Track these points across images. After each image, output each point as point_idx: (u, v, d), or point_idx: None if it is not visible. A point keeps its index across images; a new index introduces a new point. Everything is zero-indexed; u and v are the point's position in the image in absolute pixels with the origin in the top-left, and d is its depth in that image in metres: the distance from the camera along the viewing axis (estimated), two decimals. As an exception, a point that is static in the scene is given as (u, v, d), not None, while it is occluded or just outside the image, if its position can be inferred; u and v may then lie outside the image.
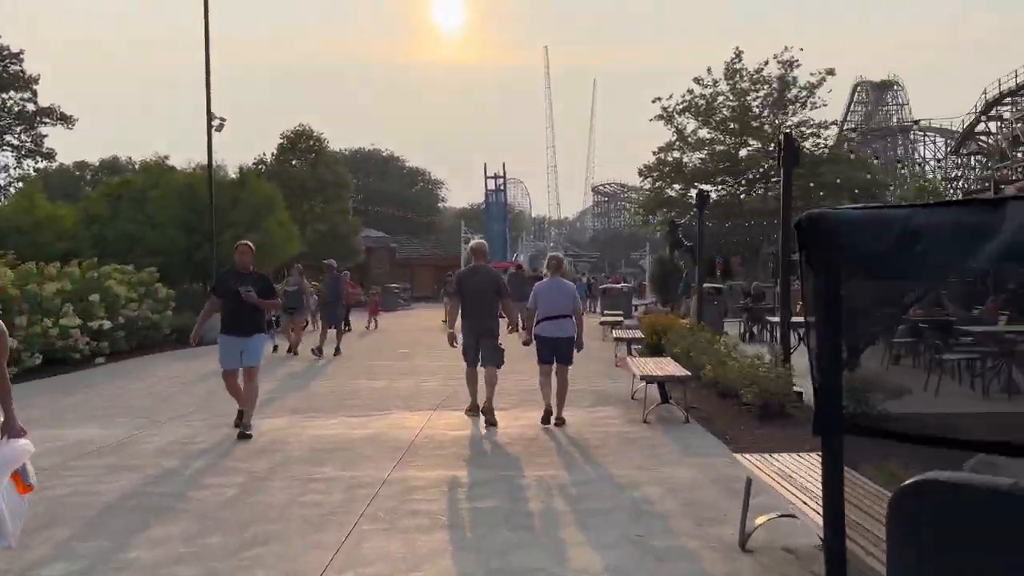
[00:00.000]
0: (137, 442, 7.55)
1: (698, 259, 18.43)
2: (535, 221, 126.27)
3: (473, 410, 8.10)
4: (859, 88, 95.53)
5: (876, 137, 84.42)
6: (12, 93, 42.77)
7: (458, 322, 8.22)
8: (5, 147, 44.04)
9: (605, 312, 21.51)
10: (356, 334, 20.16)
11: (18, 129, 43.83)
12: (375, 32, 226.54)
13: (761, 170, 46.26)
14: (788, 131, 47.95)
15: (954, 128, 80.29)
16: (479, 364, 8.01)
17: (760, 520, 4.26)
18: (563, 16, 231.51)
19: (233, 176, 21.34)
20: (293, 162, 38.01)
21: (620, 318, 19.53)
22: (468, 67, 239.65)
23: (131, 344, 15.22)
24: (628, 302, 25.55)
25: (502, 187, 77.61)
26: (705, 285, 18.48)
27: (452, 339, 8.16)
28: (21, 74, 42.47)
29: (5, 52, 41.76)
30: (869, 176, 54.16)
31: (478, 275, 7.97)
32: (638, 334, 13.19)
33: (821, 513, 3.32)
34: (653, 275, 31.34)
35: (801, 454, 4.41)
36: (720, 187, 49.13)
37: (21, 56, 42.29)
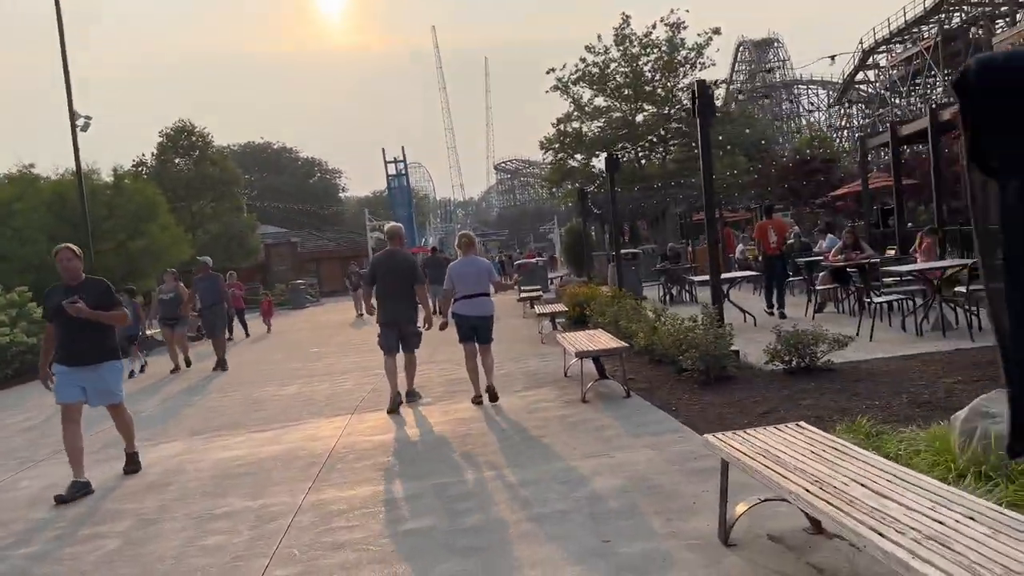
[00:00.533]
0: (6, 489, 6.42)
1: (612, 225, 18.59)
2: (440, 204, 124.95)
3: (395, 407, 7.71)
4: (742, 47, 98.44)
5: (761, 94, 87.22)
6: None
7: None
8: None
9: (522, 288, 20.90)
10: (254, 339, 18.86)
11: None
12: (253, 22, 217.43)
13: (660, 135, 46.69)
14: (675, 99, 48.72)
15: (835, 80, 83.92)
16: (398, 349, 7.91)
17: (741, 508, 3.68)
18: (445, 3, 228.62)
19: (108, 180, 19.39)
20: (176, 161, 35.61)
21: (539, 293, 19.01)
22: (356, 54, 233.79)
23: (5, 372, 13.64)
24: (544, 276, 25.10)
25: (403, 171, 75.86)
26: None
27: (374, 311, 8.10)
28: None
29: None
30: (749, 132, 55.53)
31: (394, 259, 7.77)
32: (560, 307, 12.63)
33: (824, 499, 2.76)
34: (566, 246, 31.02)
35: (779, 427, 3.85)
36: (621, 153, 49.36)
37: None
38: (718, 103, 51.02)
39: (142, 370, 13.34)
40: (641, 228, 44.94)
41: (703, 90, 9.27)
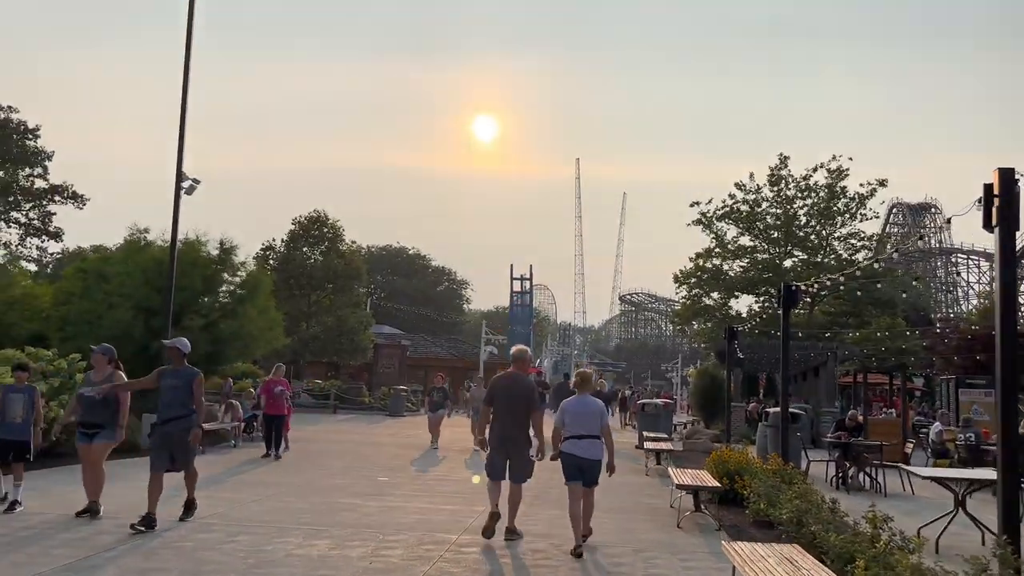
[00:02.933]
0: None
1: (736, 383, 16.40)
2: (560, 327, 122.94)
3: (490, 526, 7.41)
4: (895, 209, 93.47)
5: (916, 259, 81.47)
6: (27, 169, 41.27)
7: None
8: (12, 223, 42.19)
9: (645, 433, 17.61)
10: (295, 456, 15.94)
11: (27, 206, 42.08)
12: (407, 143, 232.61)
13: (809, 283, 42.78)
14: (829, 249, 44.99)
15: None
16: (505, 477, 7.59)
17: None
18: (594, 133, 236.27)
19: (214, 252, 18.20)
20: (304, 250, 35.34)
21: (665, 443, 15.69)
22: (501, 179, 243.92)
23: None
24: (668, 421, 21.60)
25: (528, 289, 74.81)
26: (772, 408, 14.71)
27: (483, 445, 7.96)
28: (37, 150, 41.11)
29: (22, 127, 40.54)
30: (906, 295, 50.57)
31: (514, 383, 7.67)
32: (704, 477, 9.39)
33: None
34: (697, 390, 27.43)
35: None
36: (763, 299, 45.62)
37: (38, 132, 41.04)
38: (880, 257, 46.99)
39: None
40: (779, 382, 40.44)
41: (787, 290, 10.81)
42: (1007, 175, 5.09)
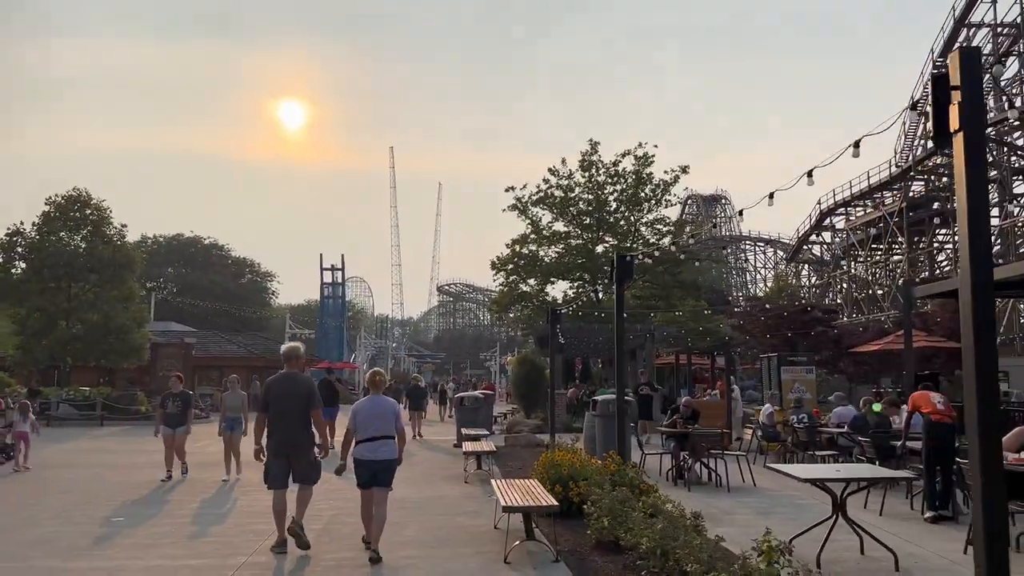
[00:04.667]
0: None
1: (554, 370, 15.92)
2: (377, 319, 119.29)
3: (281, 545, 7.02)
4: (690, 201, 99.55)
5: (718, 245, 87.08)
6: None
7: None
8: None
9: (463, 431, 15.68)
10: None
11: None
12: (203, 127, 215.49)
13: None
14: (637, 234, 46.03)
15: (784, 239, 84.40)
16: (290, 484, 7.14)
17: None
18: (407, 125, 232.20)
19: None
20: (62, 235, 29.86)
21: (485, 442, 13.85)
22: (311, 169, 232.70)
23: None
24: (489, 413, 19.86)
25: (340, 280, 70.82)
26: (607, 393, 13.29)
27: (258, 454, 7.38)
28: None
29: None
30: (702, 279, 53.39)
31: (291, 383, 7.23)
32: (537, 493, 7.44)
33: None
34: (517, 378, 26.04)
35: None
36: (578, 284, 45.66)
37: None
38: (673, 246, 48.91)
39: None
40: (593, 365, 40.49)
41: (621, 260, 10.14)
42: (969, 56, 3.49)
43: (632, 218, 45.96)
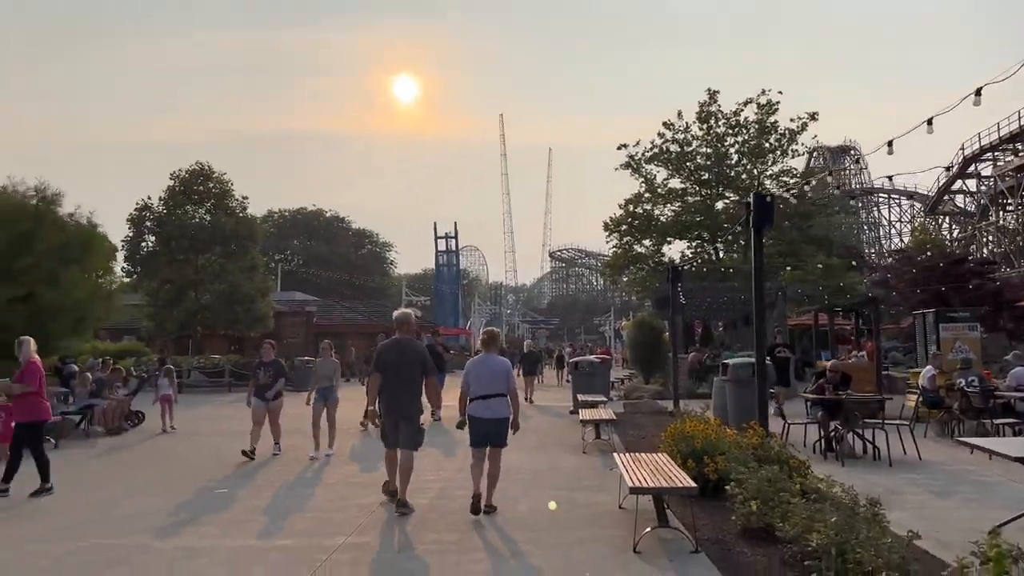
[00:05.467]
0: None
1: (675, 331, 14.05)
2: (491, 287, 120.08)
3: (391, 492, 7.30)
4: (816, 152, 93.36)
5: (839, 200, 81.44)
6: None
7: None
8: None
9: (580, 396, 14.75)
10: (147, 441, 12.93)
11: None
12: (329, 107, 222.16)
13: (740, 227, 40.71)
14: (761, 188, 43.18)
15: (921, 190, 77.75)
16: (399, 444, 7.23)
17: None
18: (520, 94, 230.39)
19: (33, 204, 14.22)
20: (187, 209, 30.95)
21: (603, 408, 12.86)
22: (424, 142, 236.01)
23: None
24: (606, 379, 18.81)
25: (454, 248, 71.41)
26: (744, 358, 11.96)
27: (373, 417, 7.40)
28: None
29: None
30: (837, 234, 49.61)
31: (400, 349, 7.24)
32: (670, 472, 6.39)
33: None
34: (634, 342, 24.83)
35: None
36: (696, 243, 43.52)
37: None
38: (812, 195, 45.64)
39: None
40: (714, 328, 38.54)
41: (759, 202, 8.65)
42: None
43: (755, 171, 43.20)
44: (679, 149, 41.57)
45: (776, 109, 41.40)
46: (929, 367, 12.14)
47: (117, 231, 33.18)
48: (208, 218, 30.84)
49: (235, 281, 29.62)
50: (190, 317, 29.54)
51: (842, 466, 8.98)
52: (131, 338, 32.35)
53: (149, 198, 31.15)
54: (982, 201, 61.43)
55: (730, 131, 41.62)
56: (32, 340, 8.18)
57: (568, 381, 24.48)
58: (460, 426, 7.14)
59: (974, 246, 57.19)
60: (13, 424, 8.31)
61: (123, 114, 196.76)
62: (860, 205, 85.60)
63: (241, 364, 29.53)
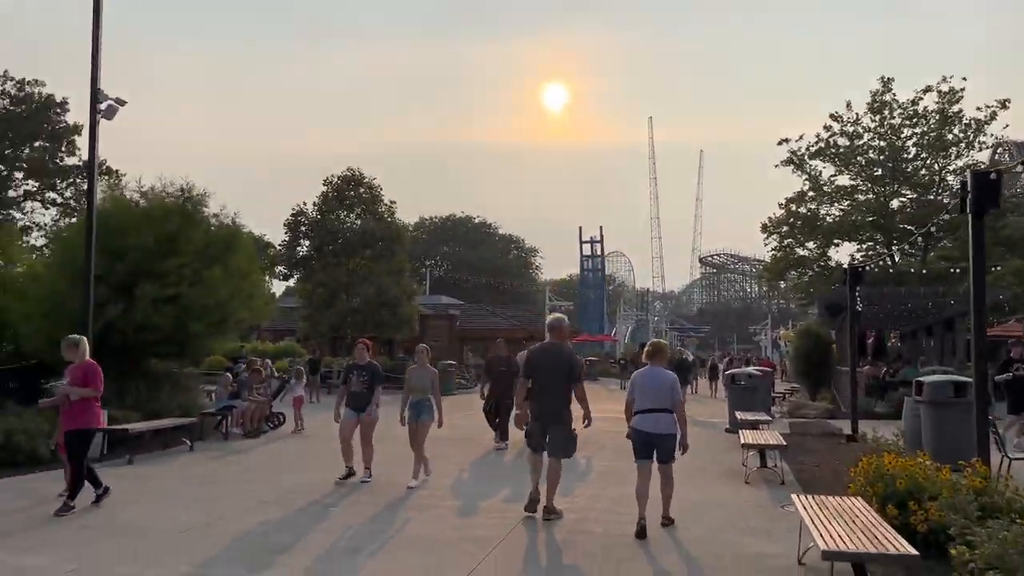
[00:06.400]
0: None
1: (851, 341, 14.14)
2: (638, 293, 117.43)
3: (532, 505, 7.14)
4: (1000, 149, 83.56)
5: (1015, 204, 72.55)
6: (57, 145, 39.28)
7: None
8: (48, 204, 40.36)
9: (739, 415, 13.07)
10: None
11: (62, 184, 40.11)
12: (475, 115, 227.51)
13: (922, 225, 36.57)
14: (944, 185, 38.65)
15: None
16: (545, 452, 7.20)
17: None
18: (668, 95, 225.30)
19: (180, 204, 14.51)
20: (340, 214, 31.75)
21: (767, 430, 11.20)
22: (571, 147, 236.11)
23: None
24: (767, 394, 16.89)
25: (599, 253, 70.04)
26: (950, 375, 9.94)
27: (522, 421, 7.33)
28: (66, 125, 39.01)
29: (48, 100, 38.46)
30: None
31: (550, 354, 7.25)
32: (877, 532, 4.89)
33: None
34: (799, 353, 22.50)
35: None
36: (867, 245, 39.70)
37: (66, 105, 38.87)
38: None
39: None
40: (893, 343, 34.79)
41: (981, 180, 6.90)
42: None
43: (936, 165, 38.88)
44: (848, 143, 38.09)
45: (960, 97, 37.06)
46: None
47: (276, 238, 34.55)
48: (359, 222, 31.45)
49: (383, 284, 29.95)
50: (341, 319, 30.17)
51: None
52: (291, 339, 33.64)
53: (304, 203, 32.30)
54: None
55: (907, 122, 37.67)
56: (86, 339, 7.70)
57: (723, 396, 22.62)
58: (629, 436, 6.95)
59: None
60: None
61: (278, 127, 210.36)
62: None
63: (388, 367, 29.84)
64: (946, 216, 31.26)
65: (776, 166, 40.01)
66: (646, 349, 7.35)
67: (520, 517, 7.08)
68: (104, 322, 12.85)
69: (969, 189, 6.93)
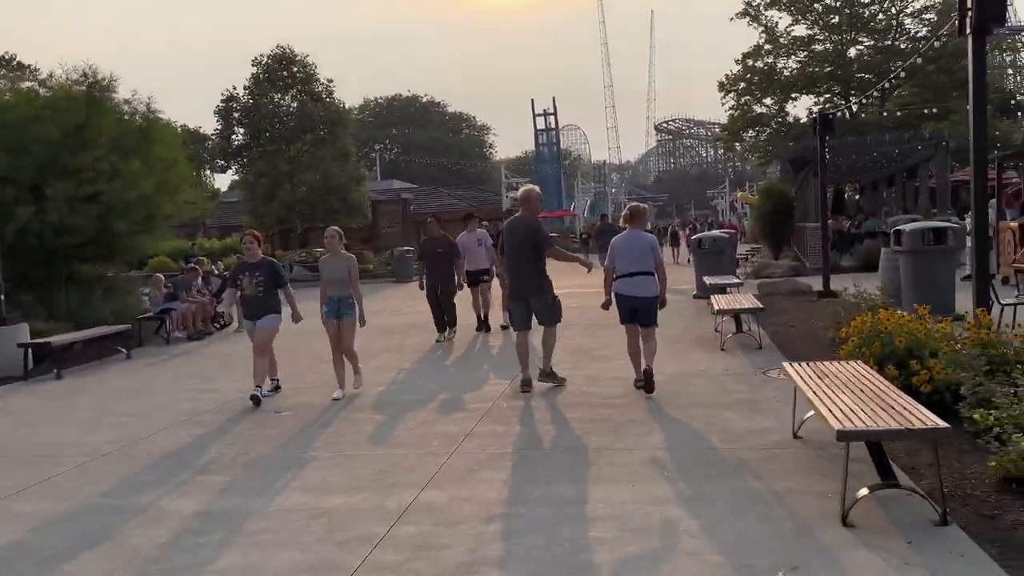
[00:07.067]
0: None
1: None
2: (595, 166, 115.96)
3: (525, 385, 6.97)
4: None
5: (997, 35, 71.72)
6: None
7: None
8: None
9: (707, 280, 12.54)
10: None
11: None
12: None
13: (883, 73, 35.63)
14: (901, 29, 37.39)
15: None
16: (530, 327, 7.11)
17: None
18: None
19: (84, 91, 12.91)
20: (274, 96, 29.60)
21: (739, 293, 10.71)
22: (520, 19, 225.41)
23: None
24: (732, 257, 16.38)
25: (553, 126, 67.90)
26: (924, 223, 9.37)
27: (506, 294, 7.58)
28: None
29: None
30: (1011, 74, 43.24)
31: (516, 228, 7.06)
32: (871, 381, 4.33)
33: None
34: (761, 213, 22.00)
35: None
36: (825, 98, 38.86)
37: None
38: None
39: None
40: (850, 195, 34.62)
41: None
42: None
43: (893, 9, 37.61)
44: (805, -11, 36.52)
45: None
46: None
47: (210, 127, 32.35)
48: (294, 105, 29.44)
49: (328, 171, 28.41)
50: (287, 210, 28.77)
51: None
52: (239, 235, 32.22)
53: (234, 88, 30.01)
54: None
55: (866, -38, 36.14)
56: None
57: (687, 261, 22.22)
58: (605, 306, 7.01)
59: None
60: None
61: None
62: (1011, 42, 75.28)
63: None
64: (905, 62, 30.28)
65: (731, 19, 38.39)
66: (623, 213, 7.28)
67: (486, 409, 6.45)
68: (16, 226, 11.68)
69: (970, 5, 6.01)
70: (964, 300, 9.65)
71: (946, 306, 8.85)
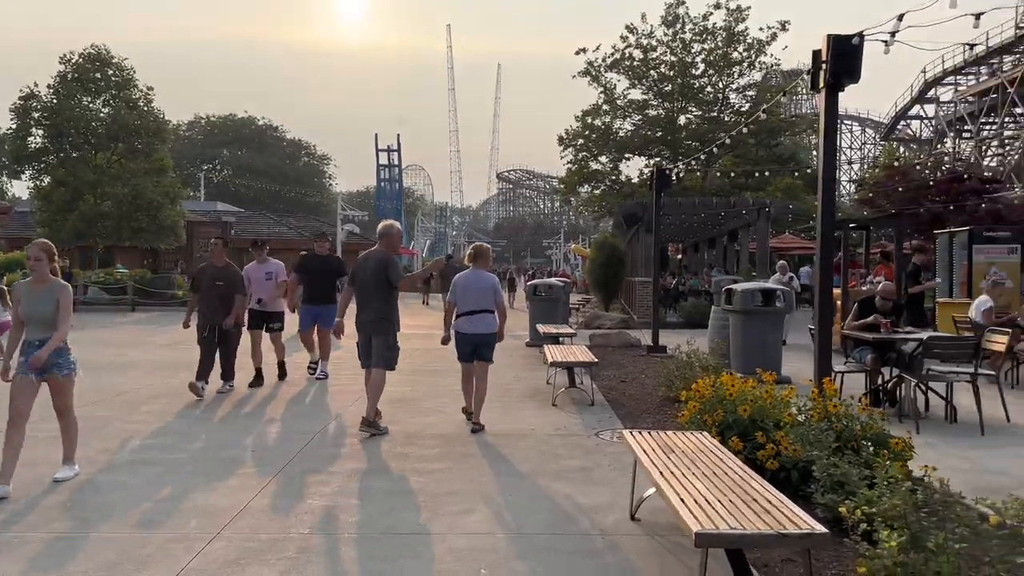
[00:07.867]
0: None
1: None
2: (436, 207, 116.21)
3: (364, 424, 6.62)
4: (769, 75, 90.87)
5: (807, 119, 79.87)
6: None
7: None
8: None
9: (540, 328, 12.04)
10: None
11: None
12: (266, 16, 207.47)
13: (708, 141, 38.01)
14: (726, 103, 40.34)
15: (873, 117, 76.74)
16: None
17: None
18: (467, 5, 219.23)
19: None
20: (84, 100, 26.51)
21: (572, 344, 10.22)
22: (369, 54, 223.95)
23: None
24: (566, 304, 16.09)
25: (396, 163, 66.93)
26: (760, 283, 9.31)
27: (340, 329, 7.04)
28: None
29: None
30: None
31: (369, 259, 6.89)
32: (735, 472, 3.74)
33: None
34: (596, 265, 22.15)
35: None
36: (655, 160, 40.77)
37: None
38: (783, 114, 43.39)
39: None
40: (672, 254, 36.28)
41: (841, 47, 5.83)
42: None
43: (721, 84, 40.39)
44: (642, 56, 38.33)
45: (747, 16, 38.53)
46: (985, 298, 9.72)
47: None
48: (106, 110, 26.52)
49: (140, 184, 25.65)
50: (87, 225, 25.60)
51: (917, 432, 6.44)
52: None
53: (36, 85, 26.59)
54: (940, 127, 60.18)
55: (697, 37, 38.56)
56: None
57: (516, 306, 21.89)
58: (444, 341, 7.11)
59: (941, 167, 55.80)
60: None
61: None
62: (811, 131, 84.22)
63: (149, 280, 25.98)
64: (731, 135, 32.34)
65: (573, 77, 39.52)
66: (468, 252, 7.31)
67: (274, 473, 5.31)
68: None
69: (824, 58, 5.84)
70: (787, 364, 9.73)
71: (773, 369, 8.76)
